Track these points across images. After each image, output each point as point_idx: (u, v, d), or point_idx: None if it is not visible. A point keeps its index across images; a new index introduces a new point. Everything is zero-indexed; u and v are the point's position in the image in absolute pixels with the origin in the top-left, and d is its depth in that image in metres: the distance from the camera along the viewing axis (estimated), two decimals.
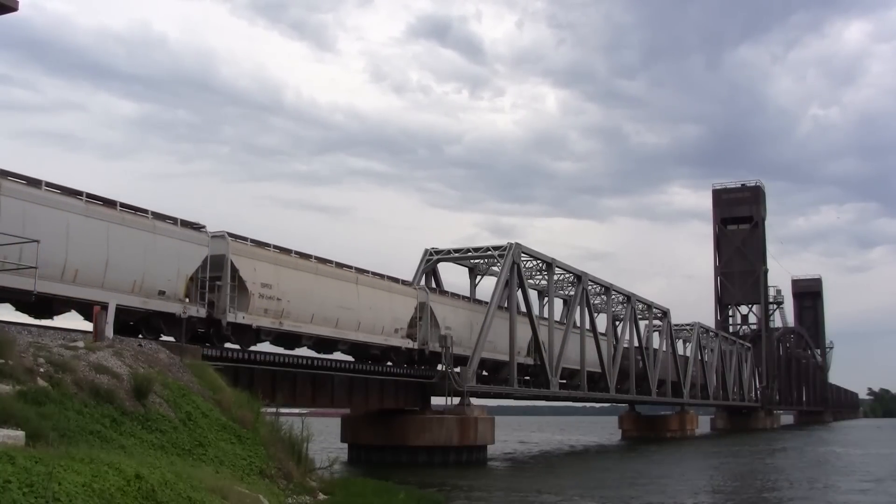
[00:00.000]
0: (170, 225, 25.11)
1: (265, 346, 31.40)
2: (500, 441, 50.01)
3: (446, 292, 44.83)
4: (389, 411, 40.47)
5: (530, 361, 51.44)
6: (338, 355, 35.99)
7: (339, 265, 34.01)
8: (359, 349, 35.53)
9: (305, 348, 34.66)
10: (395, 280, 38.11)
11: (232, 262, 27.67)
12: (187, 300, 25.46)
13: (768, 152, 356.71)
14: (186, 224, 25.82)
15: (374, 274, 36.25)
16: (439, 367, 41.75)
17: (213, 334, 27.85)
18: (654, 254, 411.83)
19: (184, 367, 17.49)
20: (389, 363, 38.71)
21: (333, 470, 19.91)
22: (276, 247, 30.58)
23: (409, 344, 38.04)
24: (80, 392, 12.77)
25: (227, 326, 27.51)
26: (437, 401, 43.00)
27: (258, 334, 29.50)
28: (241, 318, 27.96)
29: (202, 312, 26.09)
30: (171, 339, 24.80)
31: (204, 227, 26.64)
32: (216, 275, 27.06)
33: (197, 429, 14.40)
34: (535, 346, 51.28)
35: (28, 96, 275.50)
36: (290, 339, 31.57)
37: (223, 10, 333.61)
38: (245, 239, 29.10)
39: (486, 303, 46.93)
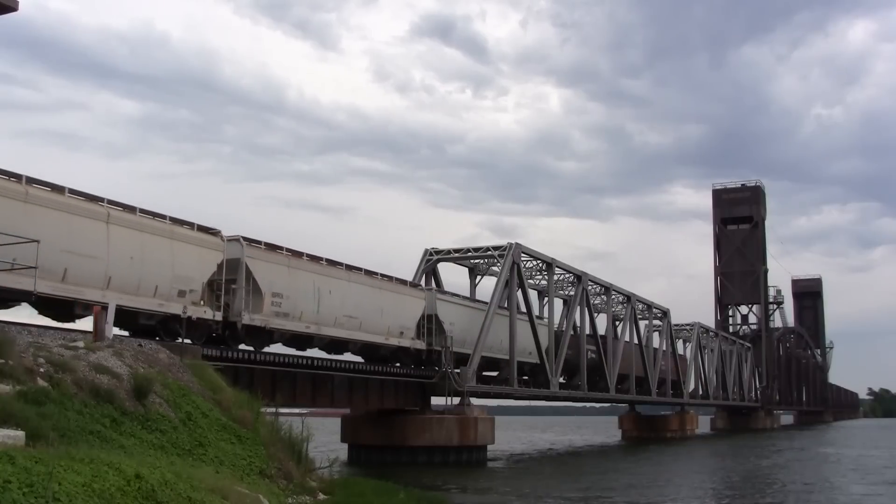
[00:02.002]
0: None
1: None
2: (499, 441, 49.96)
3: (280, 248, 31.27)
4: (389, 411, 40.48)
5: (420, 345, 40.09)
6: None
7: (78, 194, 23.04)
8: (119, 317, 23.63)
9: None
10: (189, 224, 26.84)
11: None
12: None
13: (771, 152, 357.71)
14: None
15: (146, 213, 25.25)
16: (438, 367, 41.70)
17: None
18: (656, 254, 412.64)
19: (184, 367, 17.49)
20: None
21: (333, 470, 19.91)
22: None
23: (207, 314, 27.12)
24: (80, 392, 12.77)
25: None
26: (437, 401, 43.03)
27: None
28: None
29: None
30: None
31: None
32: None
33: (197, 429, 14.39)
34: (433, 328, 41.32)
35: (30, 95, 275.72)
36: None
37: (226, 10, 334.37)
38: None
39: (348, 267, 35.19)
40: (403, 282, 39.39)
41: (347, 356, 36.24)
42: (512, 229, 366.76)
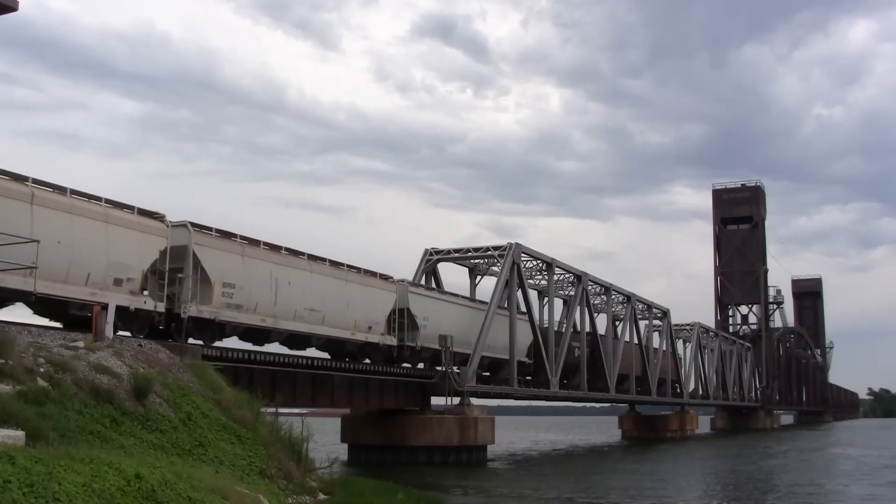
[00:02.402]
0: None
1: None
2: (499, 441, 49.93)
3: (234, 235, 29.11)
4: (389, 411, 40.47)
5: (391, 341, 37.35)
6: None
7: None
8: (47, 307, 22.46)
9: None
10: (129, 208, 24.63)
11: None
12: None
13: (772, 152, 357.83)
14: None
15: (80, 194, 23.13)
16: (438, 368, 41.68)
17: None
18: (656, 254, 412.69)
19: (184, 367, 17.49)
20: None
21: (333, 470, 19.91)
22: None
23: (148, 304, 24.67)
24: (80, 392, 12.76)
25: None
26: (437, 401, 43.03)
27: None
28: None
29: None
30: None
31: None
32: None
33: (197, 429, 14.39)
34: (405, 323, 38.33)
35: (30, 95, 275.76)
36: None
37: (227, 9, 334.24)
38: None
39: (311, 257, 32.60)
40: (373, 274, 36.53)
41: (312, 351, 34.03)
42: (512, 229, 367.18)
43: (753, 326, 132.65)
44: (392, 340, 37.47)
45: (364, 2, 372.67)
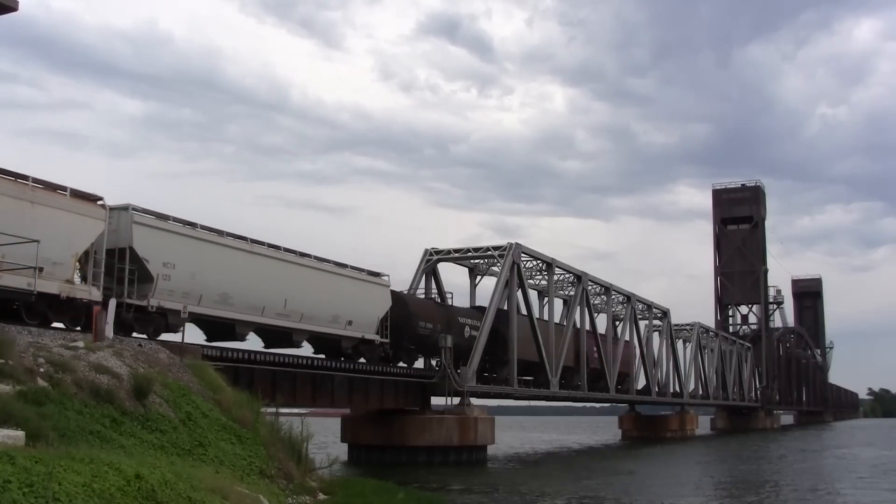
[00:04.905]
0: None
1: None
2: (499, 441, 49.85)
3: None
4: (389, 411, 40.46)
5: (89, 294, 20.63)
6: None
7: None
8: None
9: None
10: None
11: None
12: None
13: (776, 151, 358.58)
14: None
15: None
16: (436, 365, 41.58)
17: None
18: (658, 254, 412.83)
19: (184, 367, 17.50)
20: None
21: (333, 470, 19.91)
22: None
23: None
24: (80, 392, 12.77)
25: None
26: (437, 401, 43.02)
27: None
28: None
29: None
30: None
31: None
32: None
33: (197, 429, 14.40)
34: (126, 270, 23.37)
35: (33, 94, 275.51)
36: None
37: (231, 8, 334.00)
38: None
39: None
40: (61, 188, 21.17)
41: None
42: (515, 229, 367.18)
43: (753, 326, 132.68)
44: (92, 293, 21.85)
45: (369, 0, 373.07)
